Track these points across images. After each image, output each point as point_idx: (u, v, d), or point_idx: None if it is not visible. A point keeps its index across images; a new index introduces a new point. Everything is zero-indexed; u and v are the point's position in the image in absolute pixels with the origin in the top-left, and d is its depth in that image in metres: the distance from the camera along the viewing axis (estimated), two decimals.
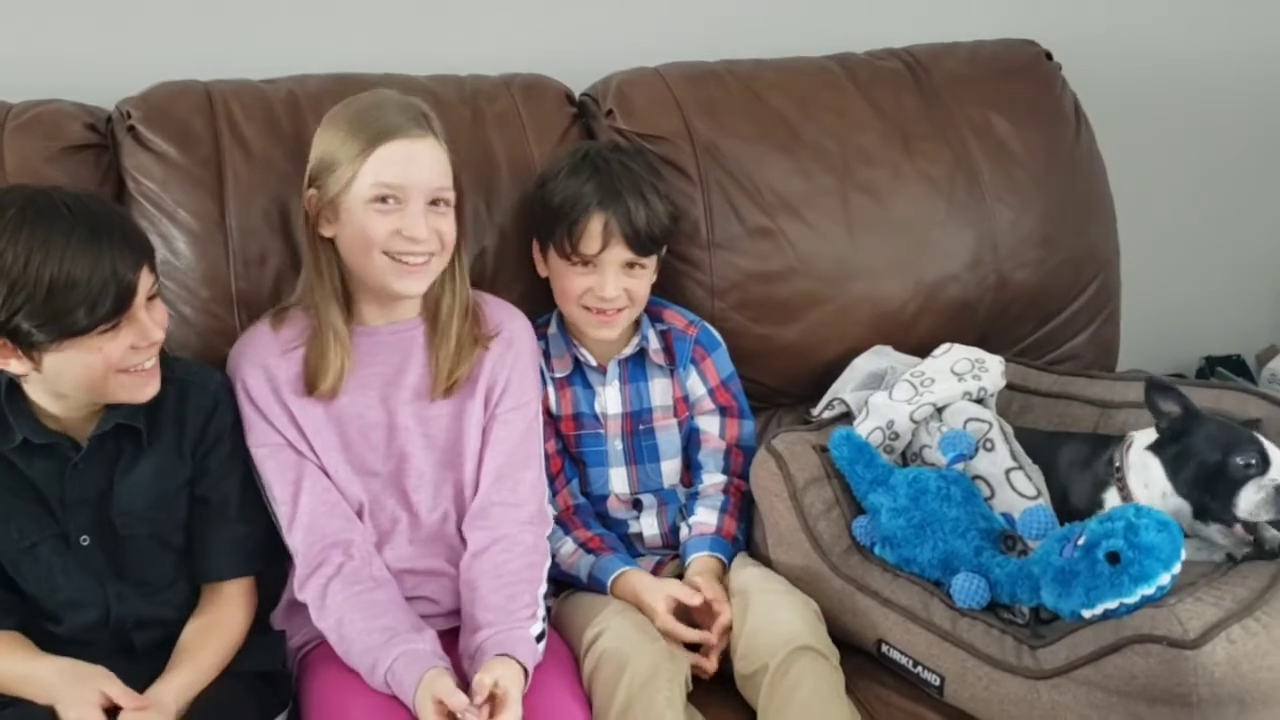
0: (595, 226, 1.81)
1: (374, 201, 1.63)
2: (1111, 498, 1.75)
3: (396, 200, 1.64)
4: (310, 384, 1.69)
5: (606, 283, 1.82)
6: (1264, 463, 1.64)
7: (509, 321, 1.81)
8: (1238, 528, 1.65)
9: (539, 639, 1.64)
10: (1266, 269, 3.13)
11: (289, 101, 1.91)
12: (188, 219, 1.82)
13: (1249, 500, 1.63)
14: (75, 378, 1.50)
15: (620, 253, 1.82)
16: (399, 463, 1.74)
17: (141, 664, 1.58)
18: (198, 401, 1.65)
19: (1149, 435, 1.76)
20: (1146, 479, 1.72)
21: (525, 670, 1.58)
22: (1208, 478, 1.66)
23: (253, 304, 1.82)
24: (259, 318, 1.77)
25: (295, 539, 1.67)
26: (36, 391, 1.55)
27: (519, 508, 1.74)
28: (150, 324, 1.52)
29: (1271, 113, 2.93)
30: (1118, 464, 1.75)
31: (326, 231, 1.68)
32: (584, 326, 1.88)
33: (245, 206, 1.83)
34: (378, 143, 1.63)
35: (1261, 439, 1.66)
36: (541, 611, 1.68)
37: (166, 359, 1.61)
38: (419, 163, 1.65)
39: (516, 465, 1.76)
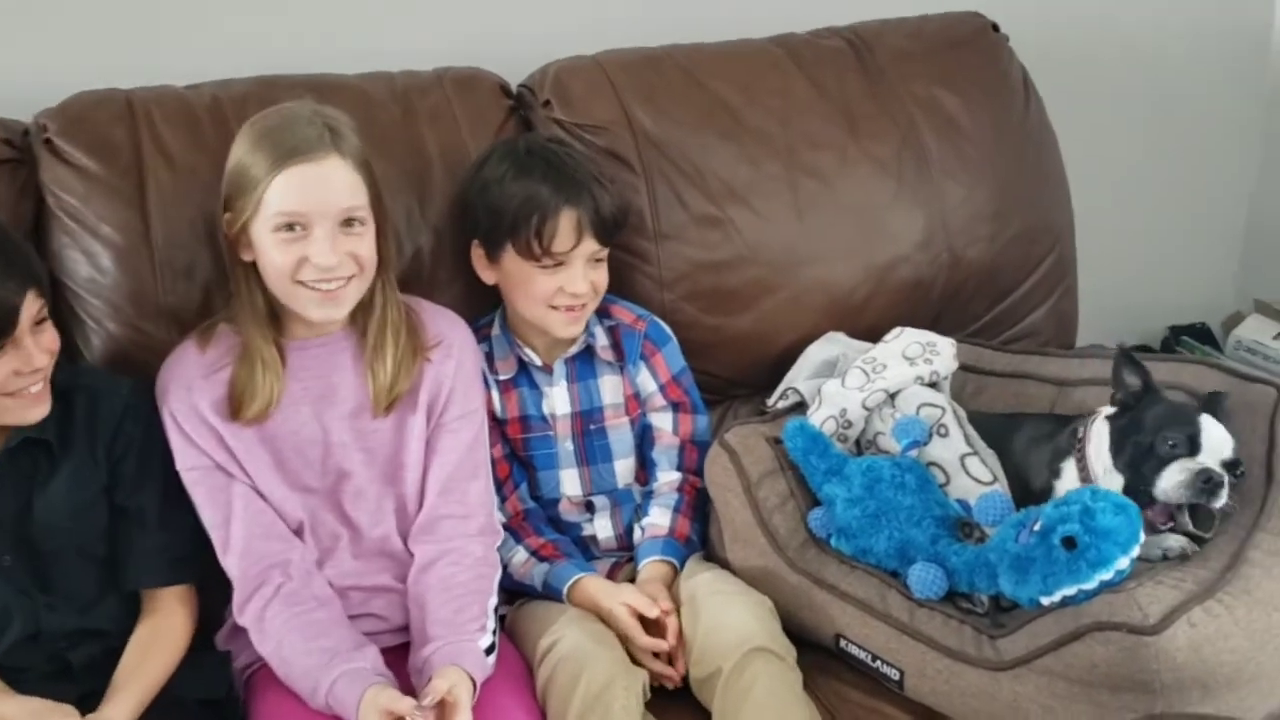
0: (566, 224, 1.76)
1: (278, 230, 1.57)
2: (1069, 468, 1.72)
3: (301, 227, 1.57)
4: (237, 407, 1.63)
5: (577, 279, 1.78)
6: (1191, 446, 1.61)
7: (448, 330, 1.76)
8: (1156, 509, 1.62)
9: (488, 651, 1.60)
10: (1228, 236, 3.12)
11: (213, 108, 1.85)
12: (111, 233, 1.76)
13: (1167, 480, 1.60)
14: None
15: (589, 246, 1.79)
16: (336, 479, 1.69)
17: (80, 684, 1.56)
18: (108, 408, 1.61)
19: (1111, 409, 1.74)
20: (1099, 449, 1.70)
21: (474, 682, 1.55)
22: (1140, 455, 1.63)
23: (181, 318, 1.76)
24: (186, 335, 1.71)
25: (230, 563, 1.63)
26: None
27: (467, 519, 1.70)
28: (35, 350, 1.48)
29: (1224, 77, 2.92)
30: (1080, 434, 1.72)
31: (245, 256, 1.62)
32: (551, 327, 1.83)
33: (170, 218, 1.77)
34: (279, 167, 1.55)
35: (1202, 423, 1.63)
36: (491, 624, 1.64)
37: (76, 368, 1.59)
38: (323, 185, 1.57)
39: (464, 476, 1.72)
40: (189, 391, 1.64)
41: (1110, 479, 1.66)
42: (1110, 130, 2.77)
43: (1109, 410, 1.73)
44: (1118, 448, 1.67)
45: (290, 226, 1.57)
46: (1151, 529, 1.60)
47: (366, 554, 1.71)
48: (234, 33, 2.07)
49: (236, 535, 1.63)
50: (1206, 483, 1.57)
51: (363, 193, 1.61)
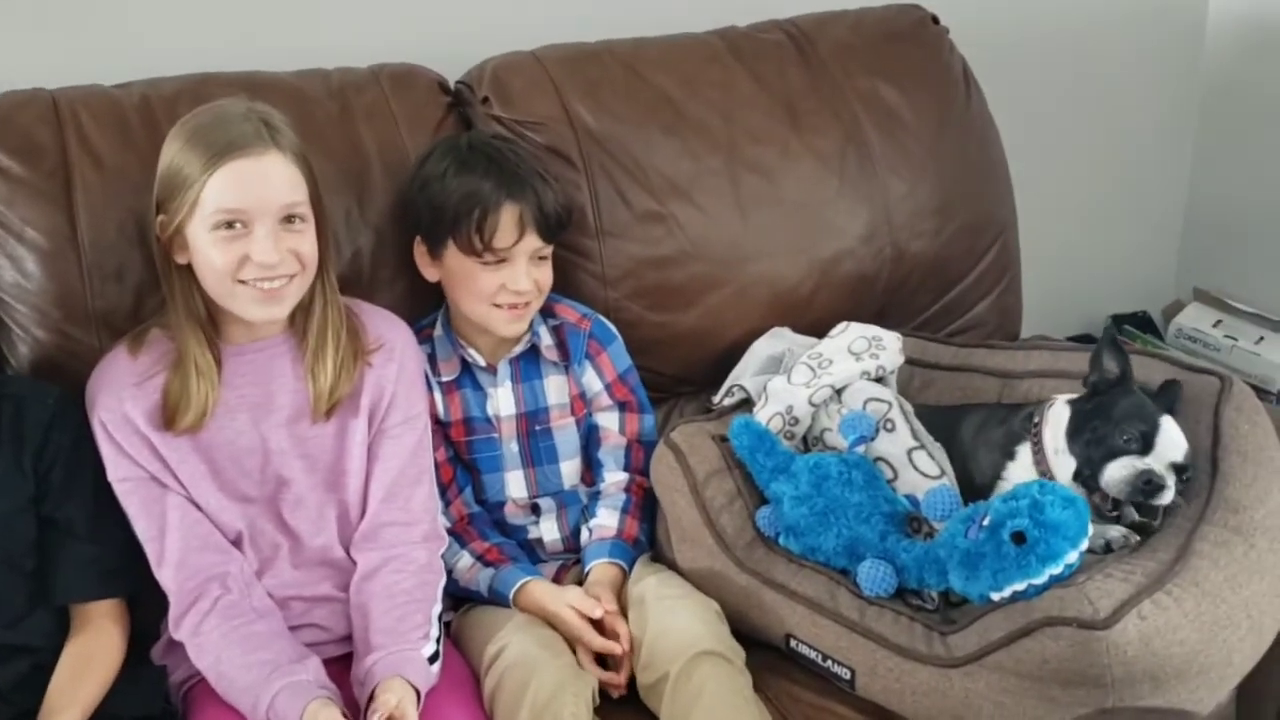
0: (508, 219, 1.74)
1: (218, 229, 1.53)
2: (1024, 451, 1.72)
3: (242, 224, 1.53)
4: (171, 416, 1.59)
5: (519, 276, 1.76)
6: (1144, 444, 1.62)
7: (389, 332, 1.73)
8: (1097, 496, 1.64)
9: (432, 660, 1.58)
10: (1167, 225, 3.16)
11: (142, 107, 1.81)
12: (36, 237, 1.71)
13: (1112, 474, 1.62)
14: None
15: (532, 242, 1.77)
16: (275, 487, 1.65)
17: (8, 703, 1.53)
18: (35, 416, 1.57)
19: (1074, 395, 1.75)
20: (1055, 432, 1.70)
21: (418, 692, 1.52)
22: (1095, 441, 1.65)
23: (112, 322, 1.72)
24: (117, 341, 1.67)
25: (166, 575, 1.59)
26: None
27: (411, 526, 1.67)
28: None
29: (1161, 69, 2.95)
30: (1037, 419, 1.73)
31: (180, 259, 1.58)
32: (493, 325, 1.80)
33: (98, 220, 1.73)
34: (216, 164, 1.51)
35: (1163, 423, 1.64)
36: (435, 632, 1.61)
37: (1, 377, 1.54)
38: (263, 181, 1.54)
39: (407, 482, 1.69)
40: (120, 400, 1.59)
41: (1061, 460, 1.67)
42: (1050, 121, 2.79)
43: (1069, 396, 1.74)
44: (1076, 430, 1.67)
45: (230, 224, 1.53)
46: (1098, 512, 1.61)
47: (307, 564, 1.67)
48: (165, 30, 2.03)
49: (172, 548, 1.58)
50: (1147, 484, 1.59)
51: (303, 189, 1.58)
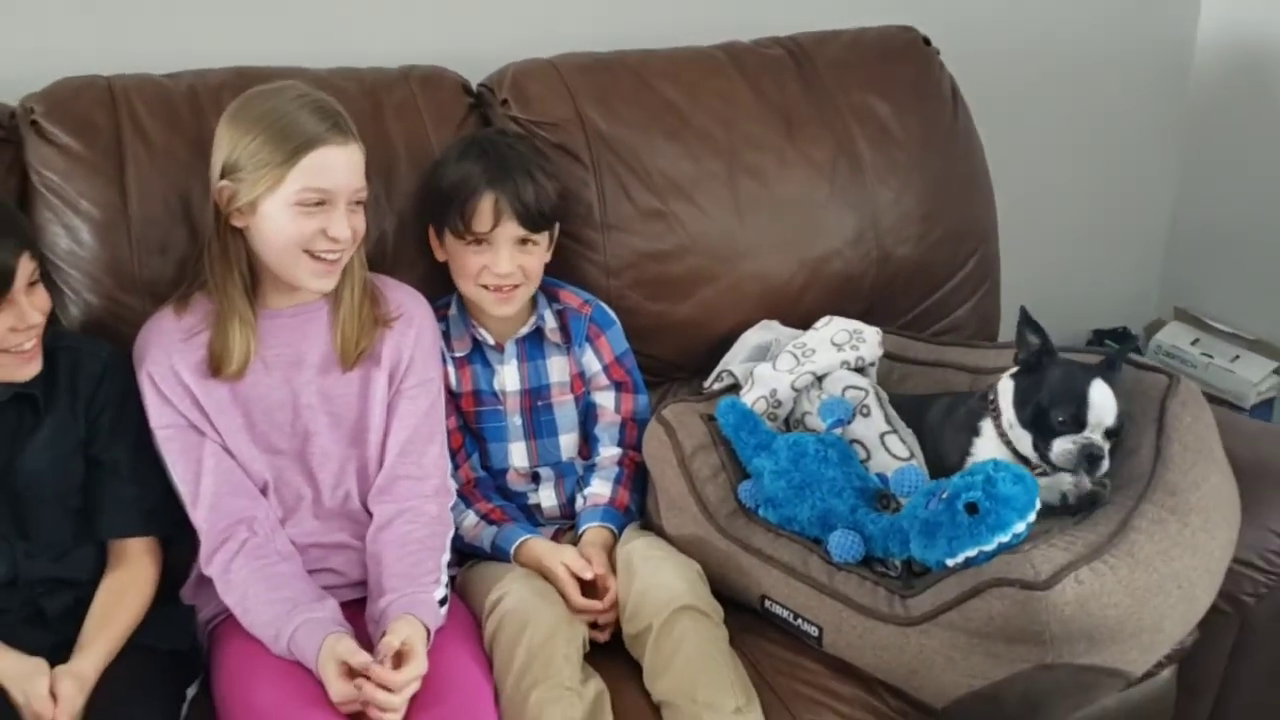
0: (485, 205, 1.87)
1: (300, 205, 1.69)
2: (987, 426, 1.85)
3: (326, 203, 1.70)
4: (214, 368, 1.75)
5: (500, 259, 1.89)
6: (1077, 424, 1.74)
7: (409, 302, 1.89)
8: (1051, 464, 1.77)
9: (441, 603, 1.71)
10: (1151, 245, 3.27)
11: (189, 95, 1.96)
12: (90, 209, 1.87)
13: (1058, 451, 1.75)
14: None
15: (512, 229, 1.89)
16: (303, 441, 1.80)
17: (53, 630, 1.64)
18: (89, 368, 1.71)
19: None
20: (1006, 405, 1.83)
21: (428, 630, 1.66)
22: (1036, 419, 1.78)
23: (156, 290, 1.86)
24: (163, 304, 1.82)
25: (199, 516, 1.73)
26: None
27: (423, 480, 1.81)
28: (29, 308, 1.58)
29: (1148, 90, 3.06)
30: (992, 397, 1.85)
31: (238, 223, 1.73)
32: (484, 305, 1.94)
33: (147, 196, 1.88)
34: (305, 151, 1.68)
35: (1090, 394, 1.75)
36: (444, 578, 1.75)
37: (59, 331, 1.68)
38: (345, 169, 1.72)
39: (421, 440, 1.83)
40: (168, 354, 1.75)
41: (1017, 433, 1.81)
42: (1040, 141, 2.91)
43: (1013, 369, 1.87)
44: (1021, 405, 1.81)
45: (319, 203, 1.69)
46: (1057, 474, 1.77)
47: (327, 514, 1.82)
48: (212, 26, 2.17)
49: (206, 490, 1.73)
50: (1089, 457, 1.73)
51: (363, 175, 1.76)
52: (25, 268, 1.57)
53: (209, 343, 1.75)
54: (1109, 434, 1.75)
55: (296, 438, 1.80)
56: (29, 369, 1.63)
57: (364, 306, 1.81)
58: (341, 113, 1.75)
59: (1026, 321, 1.83)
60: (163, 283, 1.87)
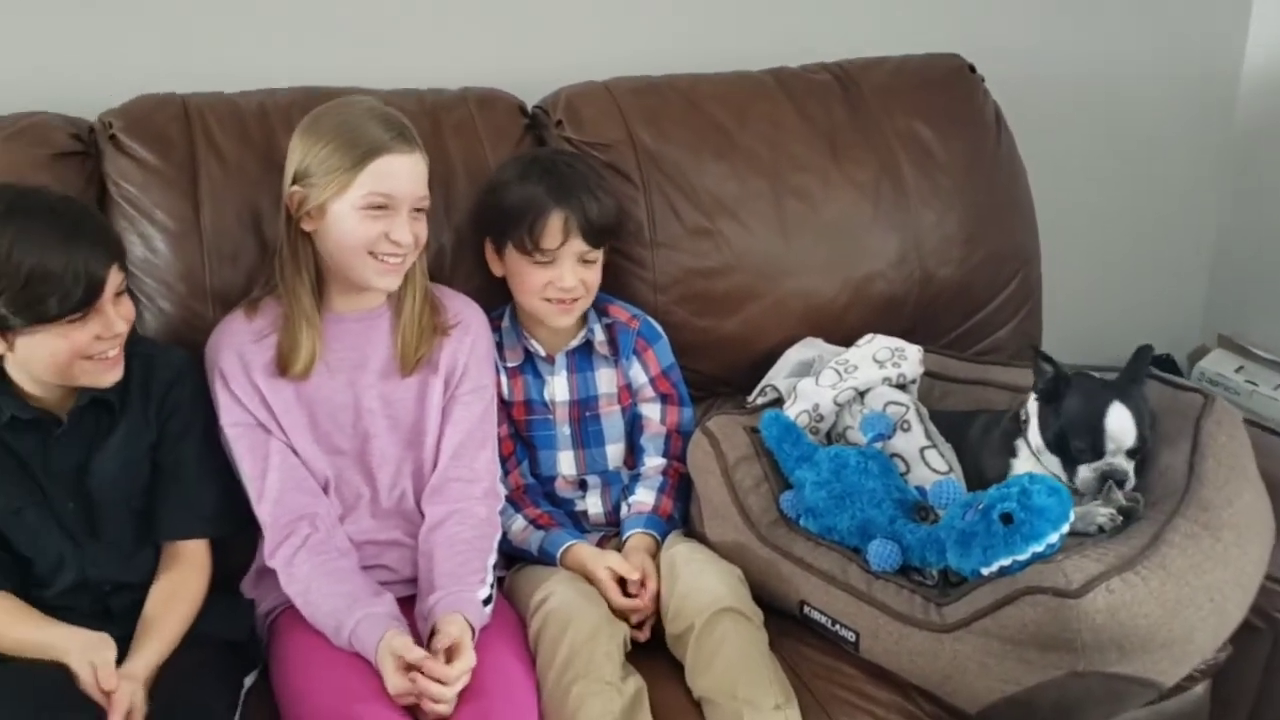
0: (555, 223, 1.95)
1: (366, 209, 1.78)
2: (1022, 445, 1.89)
3: (390, 209, 1.79)
4: (282, 367, 1.83)
5: (565, 274, 1.96)
6: (1095, 452, 1.79)
7: (466, 311, 1.97)
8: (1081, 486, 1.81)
9: (486, 602, 1.78)
10: (1195, 271, 3.27)
11: (259, 113, 2.05)
12: (165, 219, 1.96)
13: (1082, 479, 1.81)
14: (43, 361, 1.64)
15: (577, 245, 1.97)
16: (363, 442, 1.88)
17: (119, 626, 1.69)
18: (162, 374, 1.79)
19: None
20: (1033, 428, 1.88)
21: (472, 628, 1.72)
22: (1059, 445, 1.82)
23: (226, 298, 1.95)
24: (232, 309, 1.90)
25: (264, 511, 1.81)
26: (16, 374, 1.69)
27: (474, 483, 1.89)
28: (115, 317, 1.66)
29: (1195, 119, 3.07)
30: (1024, 417, 1.90)
31: (307, 227, 1.83)
32: (545, 317, 2.02)
33: (219, 208, 1.97)
34: (371, 157, 1.77)
35: (1107, 421, 1.78)
36: (490, 578, 1.81)
37: (134, 336, 1.74)
38: (409, 176, 1.81)
39: (473, 444, 1.90)
40: (239, 355, 1.84)
41: (1046, 457, 1.85)
42: (1085, 166, 2.94)
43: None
44: (1044, 430, 1.85)
45: (382, 206, 1.78)
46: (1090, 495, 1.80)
47: (383, 513, 1.89)
48: (279, 48, 2.27)
49: (271, 486, 1.81)
50: (1111, 482, 1.77)
51: (427, 184, 1.85)
52: (114, 279, 1.65)
53: (277, 343, 1.84)
54: (1131, 453, 1.79)
55: (357, 439, 1.88)
56: (111, 375, 1.70)
57: (424, 314, 1.89)
58: (407, 125, 1.83)
59: (1036, 355, 1.87)
60: (233, 291, 1.96)
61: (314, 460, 1.86)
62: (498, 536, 1.88)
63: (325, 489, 1.87)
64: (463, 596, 1.76)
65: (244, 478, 1.83)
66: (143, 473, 1.78)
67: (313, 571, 1.77)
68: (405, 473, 1.90)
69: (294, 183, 1.81)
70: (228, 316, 1.89)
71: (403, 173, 1.80)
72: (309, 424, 1.86)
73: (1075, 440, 1.80)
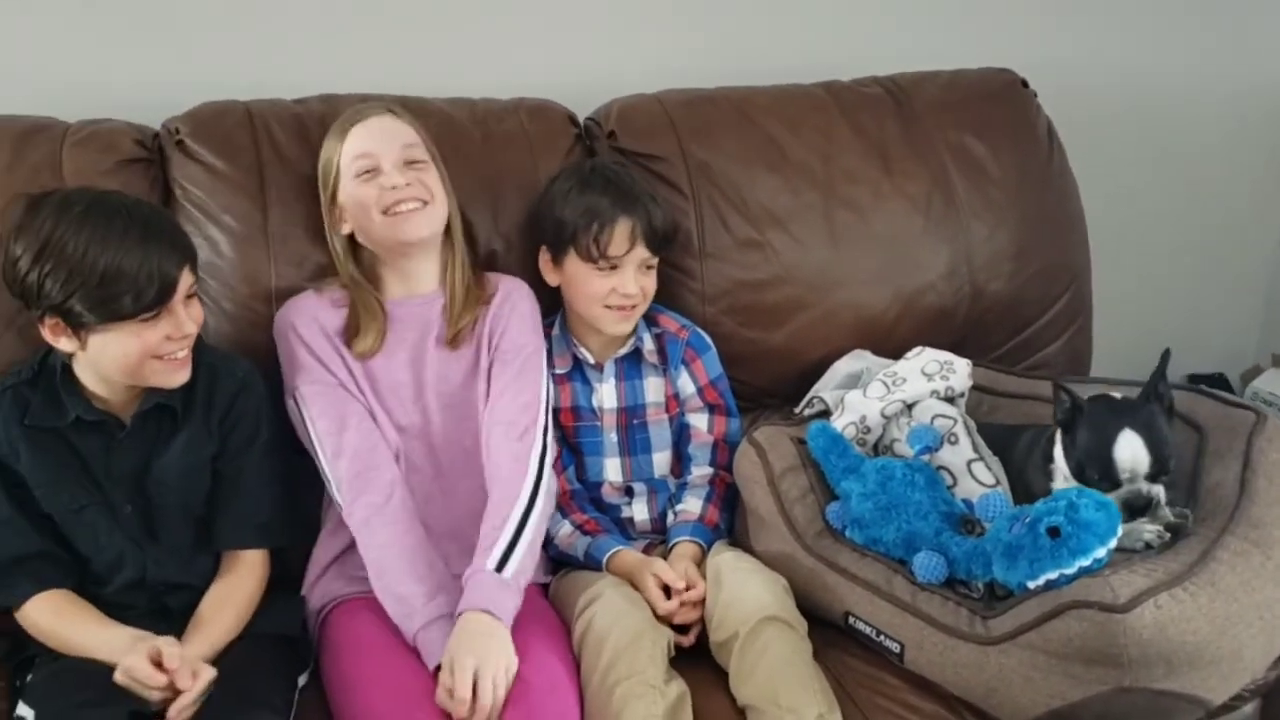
0: (621, 231, 1.99)
1: (359, 176, 1.89)
2: (1057, 472, 1.86)
3: (374, 169, 1.89)
4: (350, 338, 1.91)
5: (628, 281, 2.01)
6: (1110, 482, 1.75)
7: (508, 283, 2.04)
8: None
9: (499, 567, 1.75)
10: (1252, 291, 3.24)
11: (320, 120, 2.08)
12: (231, 223, 2.01)
13: None
14: (114, 359, 1.68)
15: (640, 253, 2.01)
16: (423, 419, 1.94)
17: (176, 624, 1.74)
18: (226, 385, 1.82)
19: None
20: (1059, 455, 1.86)
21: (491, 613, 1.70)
22: (1080, 476, 1.80)
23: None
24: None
25: (341, 467, 1.85)
26: (85, 374, 1.74)
27: (511, 425, 1.90)
28: (186, 318, 1.70)
29: (1256, 136, 3.03)
30: (1053, 445, 1.88)
31: (345, 229, 1.93)
32: (604, 324, 2.05)
33: (285, 212, 2.02)
34: (347, 128, 1.92)
35: (1116, 451, 1.75)
36: (508, 535, 1.78)
37: (201, 346, 1.79)
38: (382, 131, 1.92)
39: (510, 393, 1.93)
40: (315, 316, 1.93)
41: (1071, 484, 1.82)
42: (1139, 181, 2.92)
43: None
44: (1068, 459, 1.83)
45: (370, 170, 1.88)
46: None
47: (440, 491, 1.94)
48: (338, 57, 2.31)
49: (349, 442, 1.86)
50: (1132, 509, 1.74)
51: (417, 139, 1.94)
52: (185, 280, 1.69)
53: (348, 314, 1.93)
54: (1151, 476, 1.76)
55: (416, 414, 1.94)
56: (179, 376, 1.74)
57: (469, 287, 1.97)
58: (393, 106, 1.95)
59: (1056, 387, 1.85)
60: (296, 295, 1.99)
61: (386, 429, 1.92)
62: (528, 483, 1.84)
63: (395, 458, 1.91)
64: (478, 582, 1.74)
65: (319, 436, 1.87)
66: (203, 480, 1.82)
67: (389, 539, 1.80)
68: (464, 447, 1.94)
69: (322, 190, 1.93)
70: (296, 295, 1.97)
71: (375, 129, 1.91)
72: (375, 399, 1.93)
73: (1089, 471, 1.78)
